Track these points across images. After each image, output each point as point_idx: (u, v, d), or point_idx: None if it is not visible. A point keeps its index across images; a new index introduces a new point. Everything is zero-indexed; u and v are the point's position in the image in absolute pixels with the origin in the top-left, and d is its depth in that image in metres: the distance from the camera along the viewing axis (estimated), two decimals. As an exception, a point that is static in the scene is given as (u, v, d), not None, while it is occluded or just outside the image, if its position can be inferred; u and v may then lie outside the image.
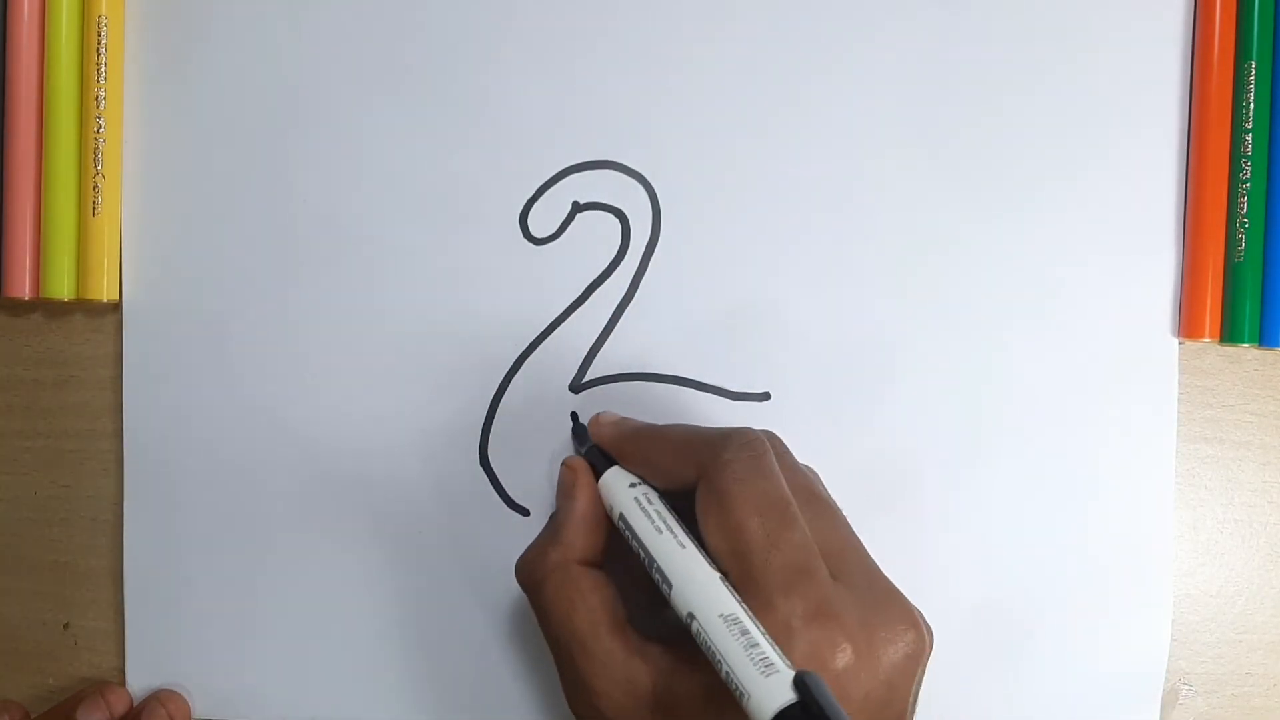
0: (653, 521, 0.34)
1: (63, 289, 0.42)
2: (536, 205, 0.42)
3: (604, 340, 0.42)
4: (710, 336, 0.42)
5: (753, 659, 0.29)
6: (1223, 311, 0.41)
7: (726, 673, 0.29)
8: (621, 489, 0.36)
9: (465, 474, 0.42)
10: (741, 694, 0.29)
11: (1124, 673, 0.42)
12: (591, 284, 0.42)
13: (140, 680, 0.43)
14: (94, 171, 0.42)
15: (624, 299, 0.42)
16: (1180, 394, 0.42)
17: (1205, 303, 0.41)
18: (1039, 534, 0.42)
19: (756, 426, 0.41)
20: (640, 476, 0.36)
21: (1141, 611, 0.42)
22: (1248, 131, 0.41)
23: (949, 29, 0.42)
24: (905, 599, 0.33)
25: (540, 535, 0.37)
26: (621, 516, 0.35)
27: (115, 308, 0.43)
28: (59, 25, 0.41)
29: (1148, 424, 0.42)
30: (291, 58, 0.43)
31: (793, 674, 0.28)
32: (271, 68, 0.43)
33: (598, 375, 0.42)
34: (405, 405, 0.42)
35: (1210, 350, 0.43)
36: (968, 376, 0.42)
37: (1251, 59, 0.41)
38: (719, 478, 0.33)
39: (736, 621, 0.30)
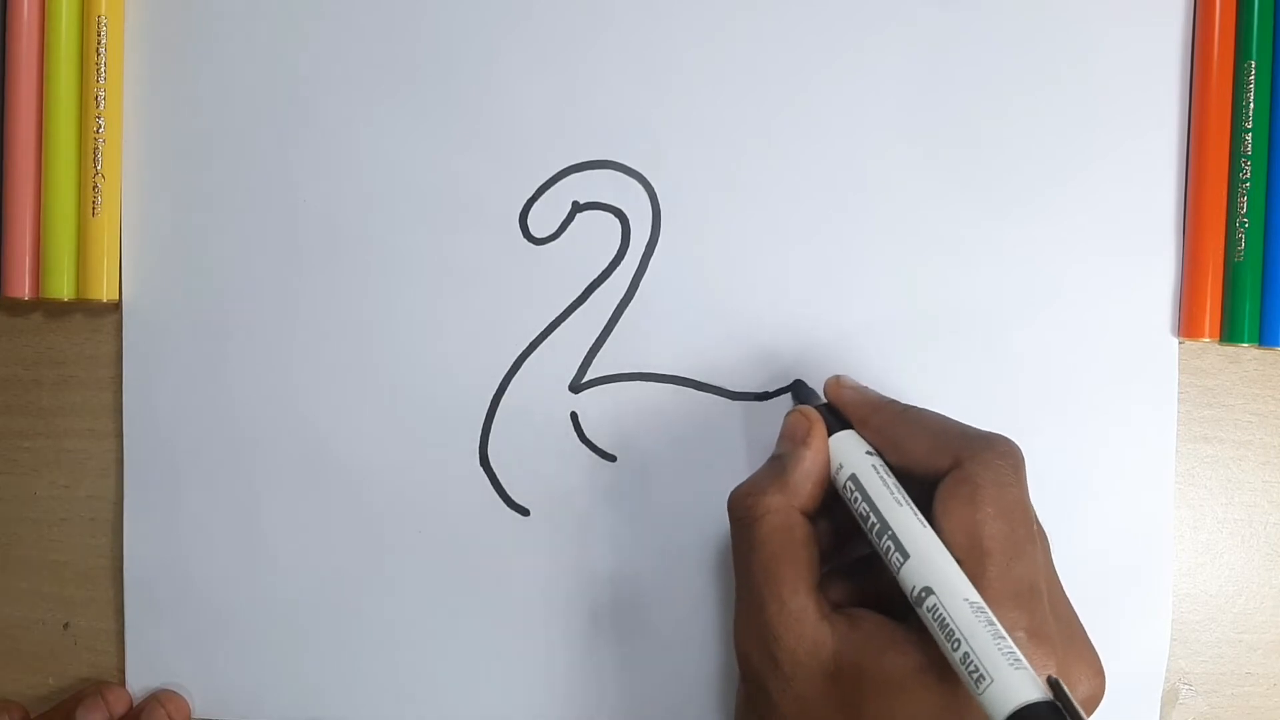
0: (891, 493, 0.34)
1: (63, 289, 0.42)
2: (536, 205, 0.42)
3: (604, 340, 0.42)
4: (710, 336, 0.42)
5: (1001, 650, 0.29)
6: (1223, 311, 0.41)
7: (965, 653, 0.29)
8: (858, 453, 0.35)
9: (465, 474, 0.42)
10: (982, 678, 0.29)
11: (1124, 673, 0.42)
12: (591, 284, 0.42)
13: (140, 680, 0.43)
14: (94, 171, 0.42)
15: (624, 299, 0.42)
16: (1180, 394, 0.42)
17: (1205, 302, 0.41)
18: (1039, 534, 0.42)
19: (757, 427, 0.42)
20: (875, 448, 0.36)
21: (1141, 611, 0.42)
22: (1248, 131, 0.41)
23: (949, 29, 0.42)
24: (1091, 643, 0.34)
25: (762, 472, 0.36)
26: (854, 478, 0.34)
27: (115, 308, 0.43)
28: (59, 25, 0.42)
29: (1148, 424, 0.42)
30: (291, 58, 0.43)
31: (1043, 675, 0.28)
32: (271, 68, 0.43)
33: (598, 375, 0.42)
34: (405, 405, 0.42)
35: (1210, 350, 0.43)
36: (968, 376, 0.42)
37: (1251, 59, 0.41)
38: (979, 473, 0.33)
39: (983, 610, 0.30)
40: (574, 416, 0.42)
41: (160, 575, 0.43)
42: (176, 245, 0.43)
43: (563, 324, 0.42)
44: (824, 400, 0.38)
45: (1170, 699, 0.42)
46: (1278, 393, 0.43)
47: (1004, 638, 0.29)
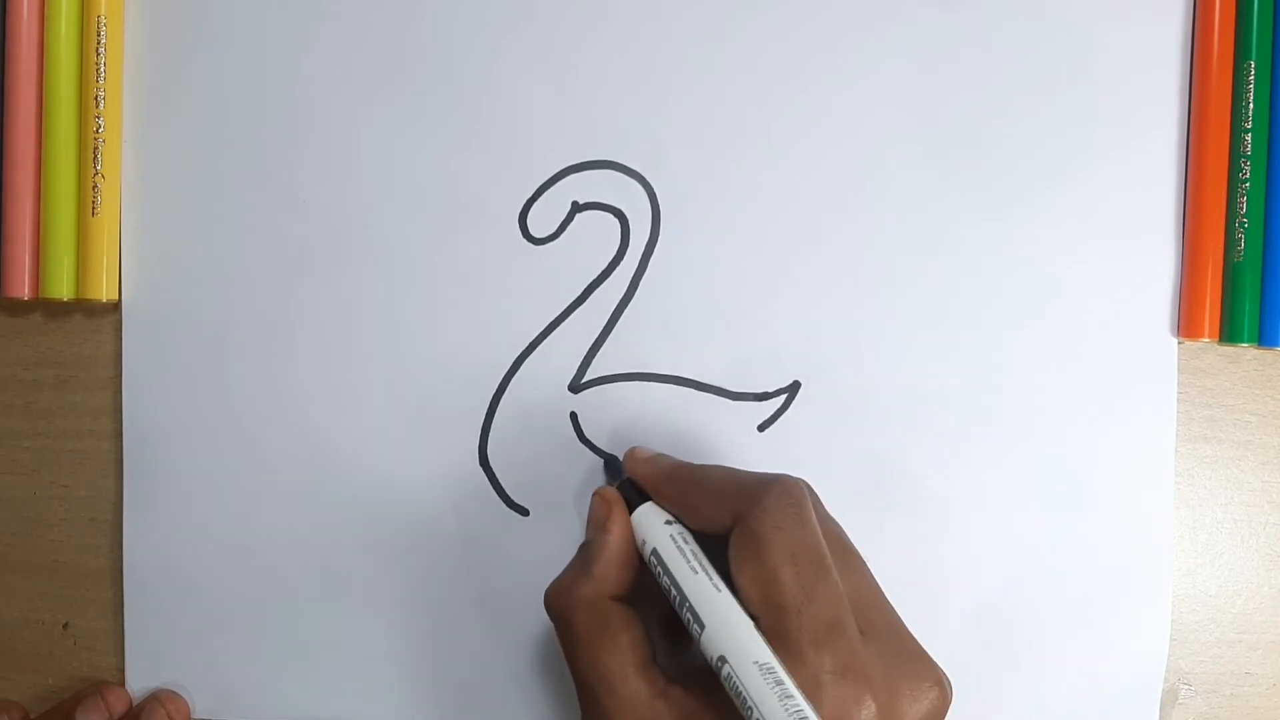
0: (688, 561, 0.34)
1: (62, 289, 0.42)
2: (536, 205, 0.42)
3: (603, 340, 0.42)
4: (709, 336, 0.42)
5: (787, 710, 0.29)
6: (1222, 311, 0.41)
7: (757, 719, 0.30)
8: (656, 525, 0.36)
9: (465, 474, 0.42)
10: None
11: (1124, 673, 0.42)
12: (591, 284, 0.42)
13: (139, 680, 0.43)
14: (94, 171, 0.42)
15: (623, 299, 0.42)
16: (1180, 394, 0.42)
17: (1205, 302, 0.41)
18: (1039, 534, 0.42)
19: (755, 428, 0.42)
20: (674, 515, 0.36)
21: (1141, 611, 0.42)
22: (1247, 131, 0.41)
23: (949, 29, 0.42)
24: (928, 655, 0.34)
25: (571, 566, 0.37)
26: (655, 553, 0.35)
27: (115, 308, 0.43)
28: (58, 25, 0.41)
29: (1148, 424, 0.42)
30: (291, 58, 0.43)
31: (862, 711, 0.29)
32: (271, 68, 0.43)
33: (597, 375, 0.42)
34: (405, 405, 0.42)
35: (1210, 350, 0.43)
36: (968, 376, 0.42)
37: (1251, 59, 0.41)
38: (757, 525, 0.33)
39: (771, 671, 0.30)
40: (574, 416, 0.42)
41: (160, 575, 0.43)
42: (176, 245, 0.43)
43: (562, 324, 0.42)
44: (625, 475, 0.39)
45: (1170, 699, 0.42)
46: (1277, 393, 0.43)
47: (792, 696, 0.30)
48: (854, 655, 0.31)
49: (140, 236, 0.43)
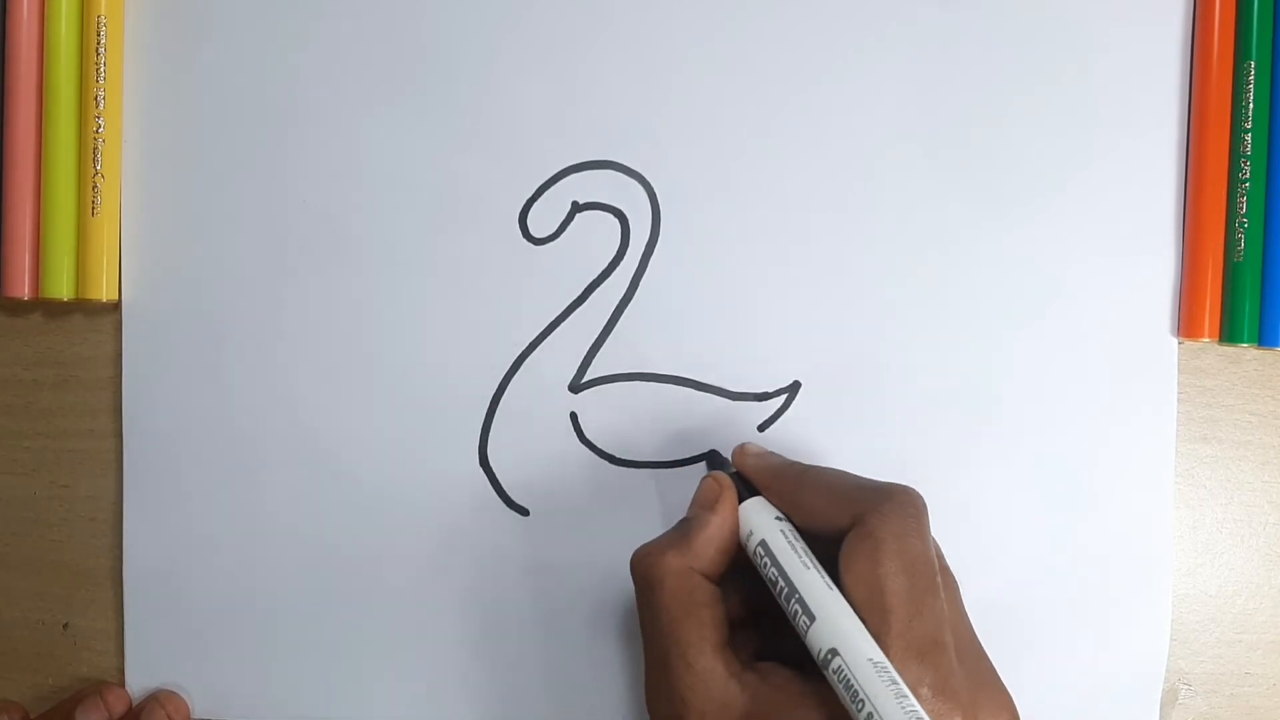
0: (799, 557, 0.34)
1: (62, 289, 0.42)
2: (536, 205, 0.42)
3: (603, 340, 0.42)
4: (710, 336, 0.42)
5: (904, 709, 0.29)
6: (1222, 311, 0.41)
7: (869, 714, 0.30)
8: (766, 519, 0.35)
9: (465, 474, 0.42)
10: None
11: (1124, 673, 0.42)
12: (591, 284, 0.42)
13: (139, 680, 0.43)
14: (93, 171, 0.42)
15: (623, 299, 0.42)
16: (1180, 394, 0.42)
17: (1205, 303, 0.41)
18: (1039, 534, 0.42)
19: (755, 428, 0.42)
20: (784, 513, 0.36)
21: (1141, 611, 0.42)
22: (1247, 131, 0.41)
23: (949, 29, 0.42)
24: (1003, 683, 0.34)
25: (666, 535, 0.36)
26: (763, 544, 0.35)
27: (115, 308, 0.43)
28: (58, 25, 0.42)
29: (1148, 424, 0.42)
30: (291, 58, 0.43)
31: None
32: (271, 68, 0.43)
33: (597, 375, 0.42)
34: (405, 405, 0.42)
35: (1210, 350, 0.43)
36: (968, 376, 0.42)
37: (1251, 59, 0.41)
38: (877, 528, 0.33)
39: (886, 669, 0.30)
40: (574, 416, 0.42)
41: (160, 575, 0.43)
42: (176, 245, 0.43)
43: (562, 324, 0.42)
44: (734, 470, 0.38)
45: (1170, 699, 0.42)
46: (1277, 393, 0.43)
47: (906, 696, 0.30)
48: (951, 674, 0.32)
49: (140, 236, 0.43)
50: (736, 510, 0.36)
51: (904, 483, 0.35)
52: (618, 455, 0.42)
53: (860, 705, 0.30)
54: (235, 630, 0.43)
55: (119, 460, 0.43)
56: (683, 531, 0.36)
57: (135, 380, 0.43)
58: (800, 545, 0.34)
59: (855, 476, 0.36)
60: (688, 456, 0.42)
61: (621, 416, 0.42)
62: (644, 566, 0.35)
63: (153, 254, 0.43)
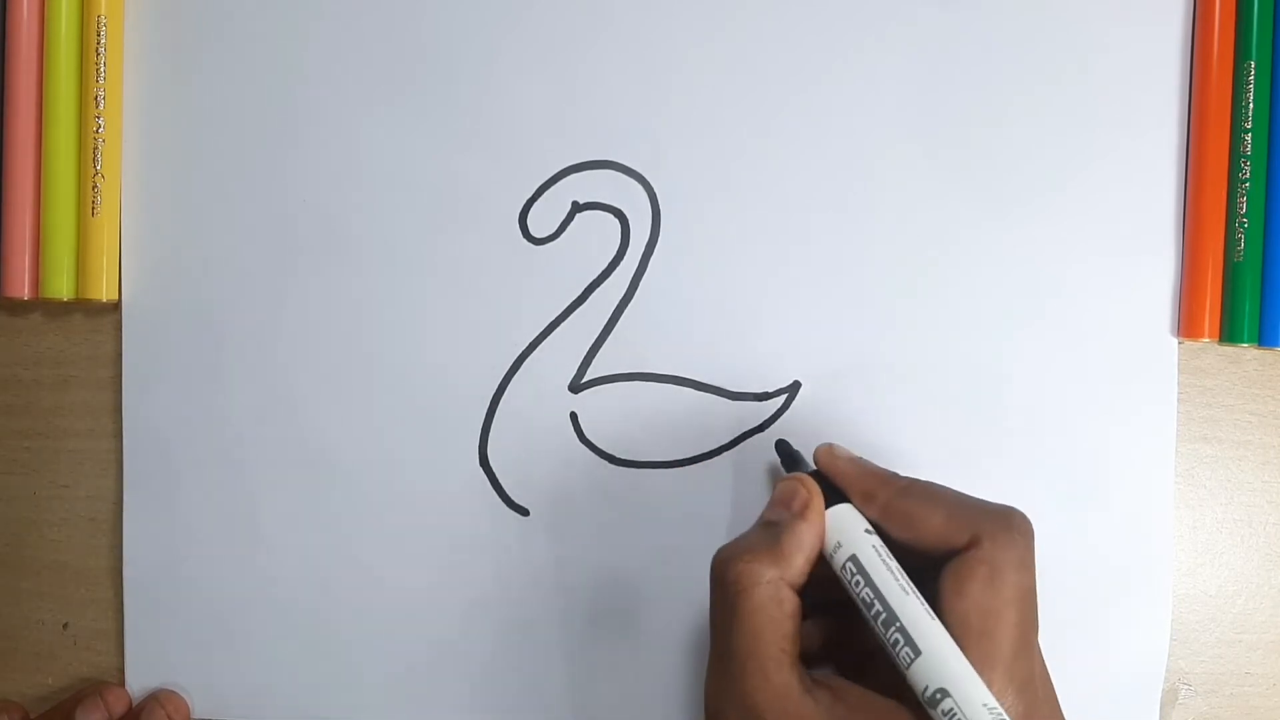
0: (896, 579, 0.33)
1: (62, 289, 0.42)
2: (536, 205, 0.42)
3: (603, 340, 0.42)
4: (709, 336, 0.42)
5: None
6: (1222, 311, 0.41)
7: None
8: (856, 530, 0.34)
9: (465, 474, 0.42)
10: None
11: (1124, 673, 0.42)
12: (591, 284, 0.42)
13: (139, 680, 0.43)
14: (93, 171, 0.42)
15: (623, 299, 0.42)
16: (1180, 394, 0.42)
17: (1205, 302, 0.41)
18: (1039, 534, 0.42)
19: (756, 426, 0.42)
20: (873, 524, 0.35)
21: (1141, 611, 0.42)
22: (1247, 131, 0.41)
23: (949, 29, 0.42)
24: (1061, 711, 0.34)
25: (755, 537, 0.35)
26: (854, 559, 0.34)
27: (115, 308, 0.43)
28: (58, 25, 0.42)
29: (1148, 424, 0.42)
30: (291, 58, 0.43)
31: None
32: (271, 68, 0.43)
33: (597, 375, 0.42)
34: (405, 405, 0.42)
35: (1210, 350, 0.43)
36: (968, 376, 0.42)
37: (1251, 59, 0.41)
38: (999, 555, 0.32)
39: (1001, 716, 0.30)
40: (574, 416, 0.42)
41: (160, 575, 0.43)
42: (176, 245, 0.43)
43: (562, 324, 0.42)
44: (812, 466, 0.37)
45: (1170, 699, 0.42)
46: (1277, 393, 0.43)
47: None
48: (1036, 713, 0.32)
49: (140, 236, 0.43)
50: (824, 518, 0.35)
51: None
52: (618, 455, 0.42)
53: None
54: (235, 630, 0.43)
55: (119, 460, 0.43)
56: (772, 537, 0.34)
57: (135, 380, 0.43)
58: (894, 564, 0.33)
59: (969, 495, 0.35)
60: (688, 456, 0.42)
61: (621, 416, 0.42)
62: (735, 572, 0.34)
63: (153, 254, 0.43)
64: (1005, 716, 0.30)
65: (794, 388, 0.42)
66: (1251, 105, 0.41)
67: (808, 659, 0.34)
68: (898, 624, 0.32)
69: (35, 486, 0.44)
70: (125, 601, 0.43)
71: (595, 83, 0.42)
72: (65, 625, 0.44)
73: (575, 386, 0.42)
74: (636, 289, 0.42)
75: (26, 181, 0.42)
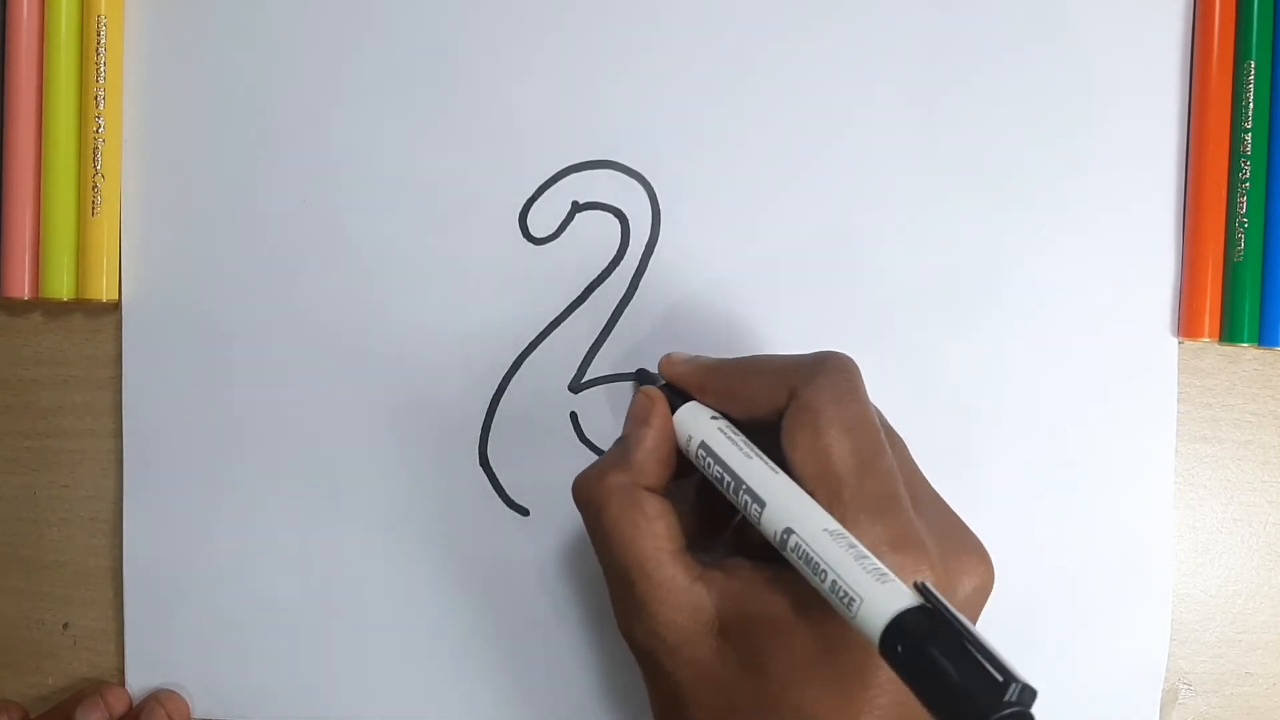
0: (740, 449, 0.34)
1: (62, 289, 0.42)
2: (536, 205, 0.42)
3: (603, 340, 0.42)
4: (709, 337, 0.42)
5: (865, 568, 0.29)
6: (1222, 311, 0.41)
7: (833, 582, 0.29)
8: (702, 420, 0.35)
9: (464, 474, 0.42)
10: (852, 600, 0.28)
11: (1124, 673, 0.42)
12: (591, 284, 0.42)
13: (139, 680, 0.43)
14: (93, 171, 0.42)
15: (623, 299, 0.42)
16: (1180, 394, 0.42)
17: (1205, 302, 0.41)
18: (1039, 534, 0.42)
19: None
20: (719, 412, 0.36)
21: (1141, 611, 0.42)
22: (1247, 131, 0.41)
23: (949, 29, 0.42)
24: (972, 533, 0.33)
25: (604, 457, 0.36)
26: (703, 445, 0.34)
27: (115, 308, 0.43)
28: (58, 25, 0.42)
29: (1148, 424, 0.42)
30: (292, 58, 0.43)
31: (909, 584, 0.28)
32: (271, 68, 0.43)
33: (597, 375, 0.42)
34: (405, 405, 0.42)
35: (1209, 350, 0.43)
36: (968, 377, 0.42)
37: (1251, 59, 0.41)
38: (813, 398, 0.33)
39: (842, 536, 0.30)
40: (574, 416, 0.42)
41: (160, 575, 0.43)
42: (176, 245, 0.43)
43: (562, 324, 0.42)
44: (663, 381, 0.38)
45: (1170, 699, 0.42)
46: (1277, 393, 0.43)
47: (867, 556, 0.29)
48: (910, 527, 0.31)
49: (140, 236, 0.43)
50: (670, 419, 0.36)
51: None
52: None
53: (823, 576, 0.29)
54: (235, 630, 0.43)
55: (119, 460, 0.43)
56: (621, 450, 0.36)
57: (135, 380, 0.43)
58: (740, 438, 0.34)
59: (784, 355, 0.35)
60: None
61: (621, 417, 0.42)
62: (586, 492, 0.35)
63: (153, 254, 0.43)
64: (848, 536, 0.30)
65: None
66: (1251, 105, 0.41)
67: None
68: (744, 486, 0.33)
69: (35, 486, 0.44)
70: (125, 601, 0.43)
71: (595, 83, 0.42)
72: (65, 625, 0.44)
73: (575, 386, 0.42)
74: (637, 289, 0.42)
75: (26, 181, 0.42)
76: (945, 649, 0.26)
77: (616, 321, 0.42)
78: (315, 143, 0.42)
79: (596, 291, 0.42)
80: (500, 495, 0.42)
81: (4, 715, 0.42)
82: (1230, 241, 0.41)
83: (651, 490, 0.35)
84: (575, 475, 0.36)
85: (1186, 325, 0.41)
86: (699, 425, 0.35)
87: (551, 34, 0.42)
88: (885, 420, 0.36)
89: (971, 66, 0.42)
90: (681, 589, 0.33)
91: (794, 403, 0.33)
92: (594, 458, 0.42)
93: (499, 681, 0.42)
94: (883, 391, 0.42)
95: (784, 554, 0.31)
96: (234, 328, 0.43)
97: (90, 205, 0.42)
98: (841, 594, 0.29)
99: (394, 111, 0.42)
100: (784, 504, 0.31)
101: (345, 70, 0.43)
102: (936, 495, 0.34)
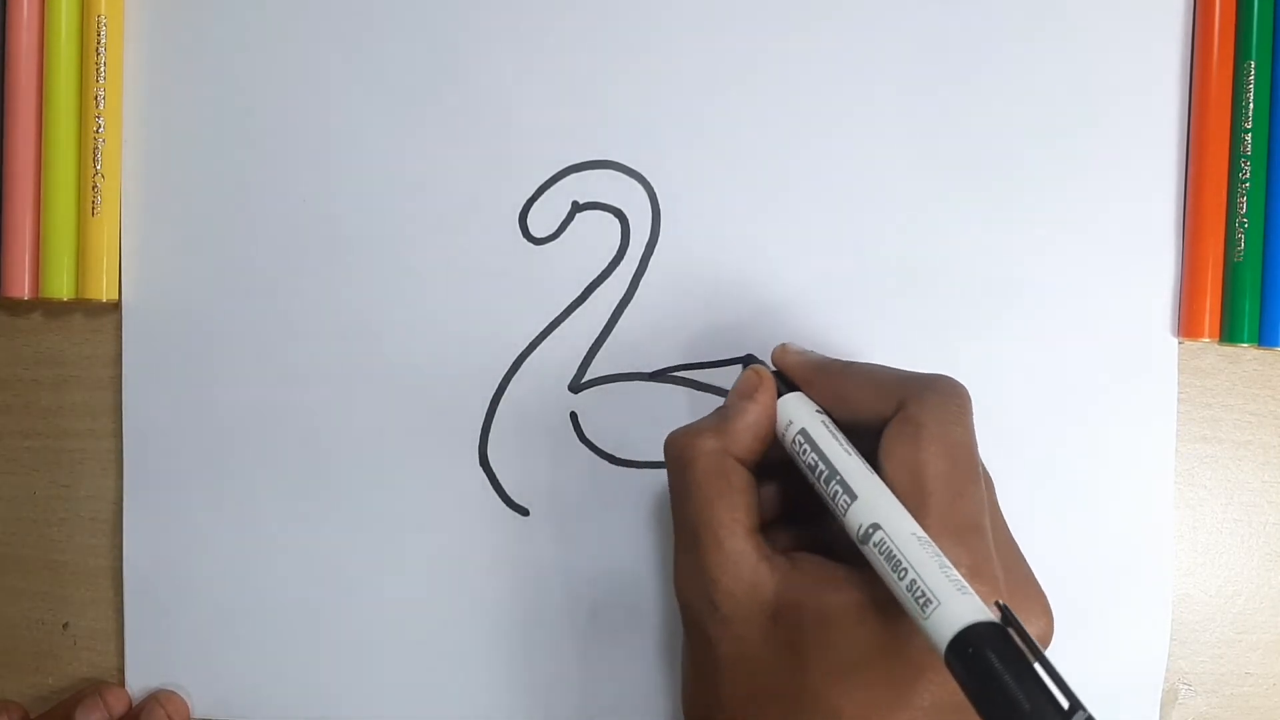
0: (840, 444, 0.34)
1: (62, 289, 0.42)
2: (536, 205, 0.42)
3: (603, 340, 0.42)
4: (710, 337, 0.42)
5: (948, 576, 0.29)
6: (1222, 311, 0.41)
7: (912, 580, 0.29)
8: (807, 410, 0.35)
9: (465, 474, 0.42)
10: (929, 601, 0.28)
11: (1124, 673, 0.42)
12: (591, 284, 0.42)
13: (139, 680, 0.43)
14: (94, 171, 0.42)
15: (623, 299, 0.42)
16: (1180, 394, 0.42)
17: (1205, 302, 0.41)
18: (1039, 534, 0.42)
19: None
20: (823, 408, 0.36)
21: (1141, 611, 0.42)
22: (1247, 131, 0.41)
23: (948, 29, 0.42)
24: (1039, 585, 0.34)
25: (703, 420, 0.36)
26: (803, 433, 0.34)
27: (115, 308, 0.43)
28: (58, 25, 0.42)
29: (1148, 424, 0.42)
30: (291, 57, 0.43)
31: (990, 603, 0.28)
32: (271, 67, 0.43)
33: (597, 375, 0.42)
34: (405, 405, 0.42)
35: (1209, 350, 0.43)
36: (969, 377, 0.42)
37: (1251, 59, 0.41)
38: (920, 414, 0.33)
39: (929, 544, 0.30)
40: (574, 416, 0.42)
41: (160, 575, 0.43)
42: (176, 245, 0.43)
43: (562, 324, 0.42)
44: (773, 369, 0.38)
45: (1170, 699, 0.42)
46: (1277, 393, 0.43)
47: (950, 568, 0.29)
48: (989, 559, 0.31)
49: (140, 236, 0.43)
50: (775, 402, 0.36)
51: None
52: (618, 455, 0.42)
53: (903, 573, 0.29)
54: (235, 630, 0.43)
55: (119, 460, 0.43)
56: (721, 417, 0.35)
57: (135, 380, 0.43)
58: (840, 435, 0.34)
59: (898, 369, 0.36)
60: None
61: (621, 416, 0.42)
62: (679, 447, 0.35)
63: (153, 254, 0.43)
64: (932, 544, 0.30)
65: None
66: (1251, 105, 0.41)
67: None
68: (838, 477, 0.33)
69: (35, 486, 0.44)
70: (125, 601, 0.43)
71: (595, 83, 0.42)
72: (65, 625, 0.44)
73: (575, 386, 0.42)
74: (637, 289, 0.42)
75: (26, 181, 0.42)
76: (1014, 667, 0.26)
77: (617, 321, 0.42)
78: (315, 143, 0.43)
79: (596, 291, 0.42)
80: (500, 495, 0.42)
81: (4, 715, 0.42)
82: (1230, 241, 0.41)
83: (741, 462, 0.35)
84: (668, 433, 0.36)
85: (1186, 325, 0.41)
86: (802, 414, 0.35)
87: (551, 34, 0.42)
88: (981, 461, 0.35)
89: (971, 67, 0.42)
90: (748, 564, 0.33)
91: (900, 414, 0.33)
92: (594, 458, 0.42)
93: (498, 681, 0.42)
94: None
95: (862, 547, 0.31)
96: (234, 328, 0.43)
97: (90, 205, 0.42)
98: (919, 593, 0.29)
99: (394, 111, 0.42)
100: (875, 500, 0.32)
101: (345, 70, 0.43)
102: (1012, 539, 0.35)
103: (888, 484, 0.32)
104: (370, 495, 0.42)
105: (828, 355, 0.37)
